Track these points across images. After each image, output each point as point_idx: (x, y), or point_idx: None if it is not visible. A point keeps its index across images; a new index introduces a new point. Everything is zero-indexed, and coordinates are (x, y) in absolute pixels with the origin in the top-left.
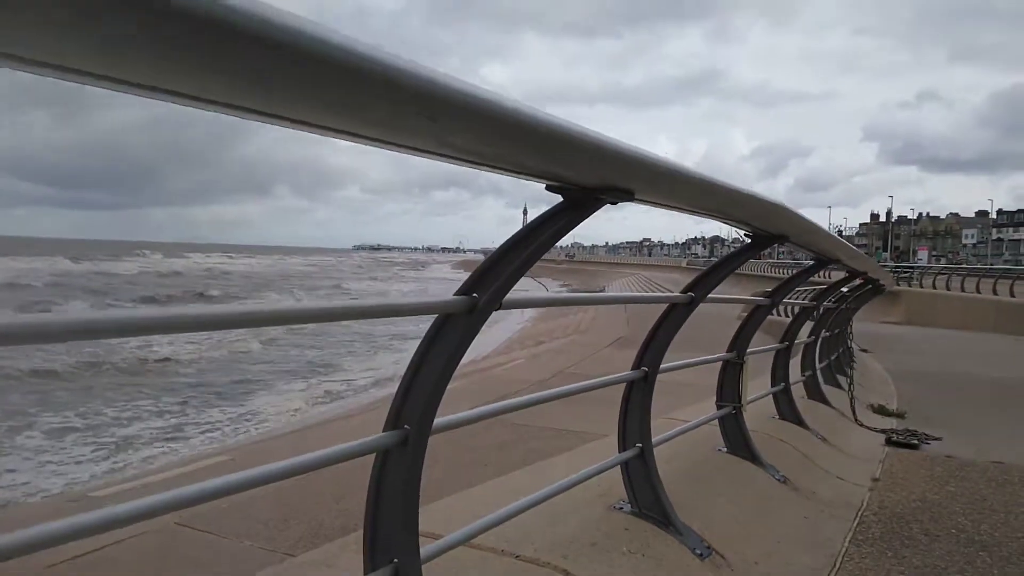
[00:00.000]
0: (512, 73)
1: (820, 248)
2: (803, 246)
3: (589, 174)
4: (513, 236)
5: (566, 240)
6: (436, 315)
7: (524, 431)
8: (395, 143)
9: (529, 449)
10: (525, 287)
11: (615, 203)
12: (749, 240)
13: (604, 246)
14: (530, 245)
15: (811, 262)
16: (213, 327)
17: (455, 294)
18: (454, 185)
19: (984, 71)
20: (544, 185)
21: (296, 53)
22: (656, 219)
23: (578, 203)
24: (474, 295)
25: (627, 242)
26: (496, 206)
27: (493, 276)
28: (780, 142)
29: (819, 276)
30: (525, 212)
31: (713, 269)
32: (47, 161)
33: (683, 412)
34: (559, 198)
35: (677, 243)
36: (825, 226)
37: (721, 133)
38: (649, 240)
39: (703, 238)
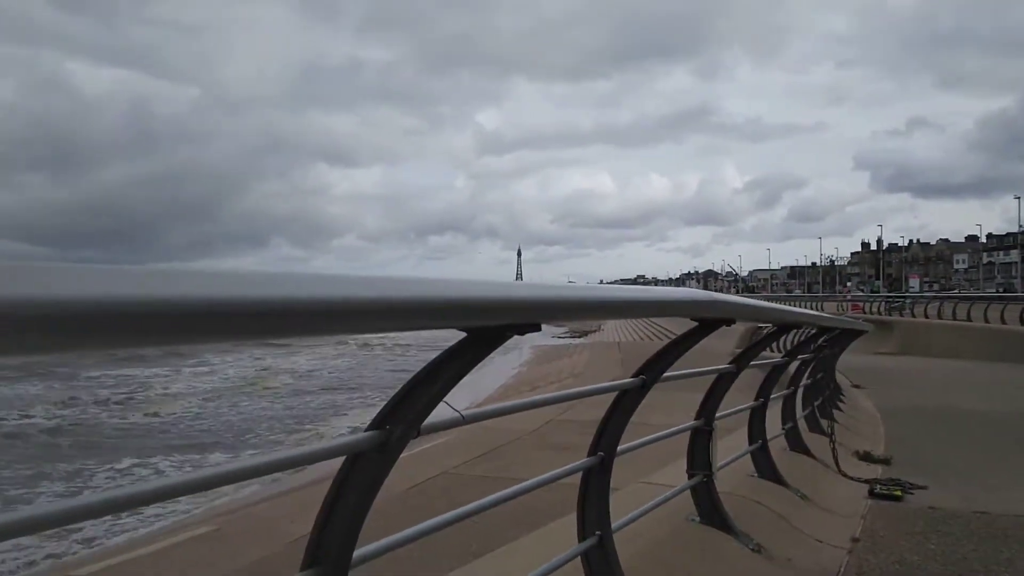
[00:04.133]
0: (506, 117)
1: (777, 319)
2: (756, 321)
3: (494, 319)
4: (423, 369)
5: (562, 279)
6: (346, 456)
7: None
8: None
9: (491, 526)
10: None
11: (522, 335)
12: (696, 324)
13: (599, 283)
14: (441, 377)
15: (773, 327)
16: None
17: (366, 429)
18: (450, 229)
19: (971, 97)
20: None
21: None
22: (650, 256)
23: (484, 339)
24: (387, 427)
25: (621, 279)
26: (492, 249)
27: (407, 408)
28: (773, 175)
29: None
30: (519, 254)
31: (663, 352)
32: (44, 221)
33: (662, 473)
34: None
35: (671, 278)
36: (816, 257)
37: (714, 168)
38: (643, 276)
39: (696, 272)
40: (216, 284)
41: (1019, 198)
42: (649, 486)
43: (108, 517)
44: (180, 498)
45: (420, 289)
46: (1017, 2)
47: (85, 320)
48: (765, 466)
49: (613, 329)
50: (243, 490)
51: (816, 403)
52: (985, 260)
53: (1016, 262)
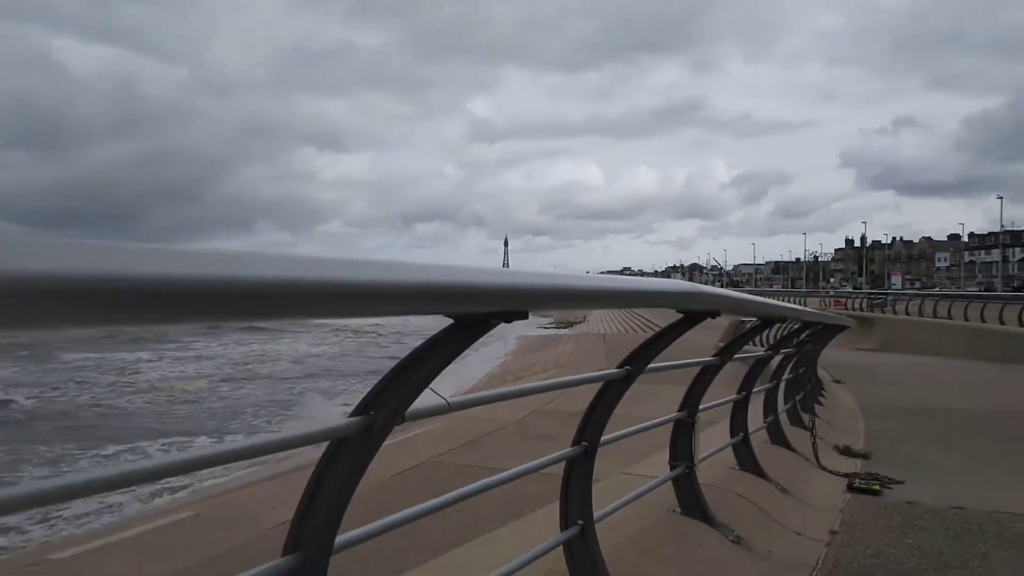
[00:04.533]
0: (497, 106)
1: (761, 313)
2: (741, 314)
3: (480, 306)
4: (408, 356)
5: (548, 270)
6: (329, 441)
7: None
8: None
9: (474, 514)
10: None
11: (509, 322)
12: (682, 316)
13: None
14: (426, 364)
15: (757, 321)
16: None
17: (350, 414)
18: (438, 217)
19: (958, 97)
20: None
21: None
22: (636, 248)
23: (470, 326)
24: (371, 413)
25: (607, 270)
26: (479, 237)
27: (391, 394)
28: (760, 170)
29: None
30: (506, 243)
31: (648, 344)
32: (27, 200)
33: (645, 465)
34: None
35: (657, 271)
36: (800, 252)
37: (702, 162)
38: (629, 268)
39: (682, 266)
40: (196, 263)
41: (1001, 198)
42: (632, 477)
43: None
44: (161, 482)
45: (406, 274)
46: (1009, 4)
47: (59, 296)
48: (746, 459)
49: (599, 320)
50: (224, 475)
51: (798, 397)
52: (967, 259)
53: (997, 261)
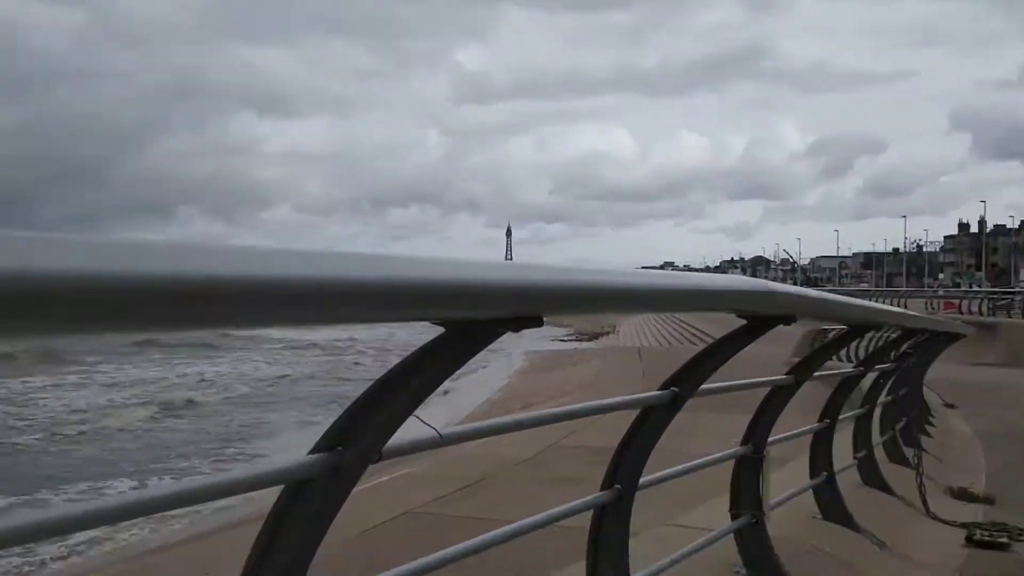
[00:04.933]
0: (494, 56)
1: (850, 317)
2: (823, 319)
3: (480, 310)
4: (387, 374)
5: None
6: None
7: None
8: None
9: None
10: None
11: (517, 331)
12: (745, 323)
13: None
14: (411, 385)
15: (844, 328)
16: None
17: (312, 450)
18: (418, 200)
19: None
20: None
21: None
22: (681, 238)
23: (467, 336)
24: (339, 448)
25: (643, 266)
26: (474, 225)
27: (366, 423)
28: (843, 136)
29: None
30: (509, 233)
31: (700, 358)
32: None
33: (697, 513)
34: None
35: (709, 267)
36: (899, 241)
37: (764, 125)
38: (672, 263)
39: (742, 259)
40: (98, 255)
41: None
42: (679, 529)
43: None
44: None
45: (384, 269)
46: None
47: None
48: (832, 505)
49: (632, 331)
50: (145, 530)
51: (898, 426)
52: None
53: None
